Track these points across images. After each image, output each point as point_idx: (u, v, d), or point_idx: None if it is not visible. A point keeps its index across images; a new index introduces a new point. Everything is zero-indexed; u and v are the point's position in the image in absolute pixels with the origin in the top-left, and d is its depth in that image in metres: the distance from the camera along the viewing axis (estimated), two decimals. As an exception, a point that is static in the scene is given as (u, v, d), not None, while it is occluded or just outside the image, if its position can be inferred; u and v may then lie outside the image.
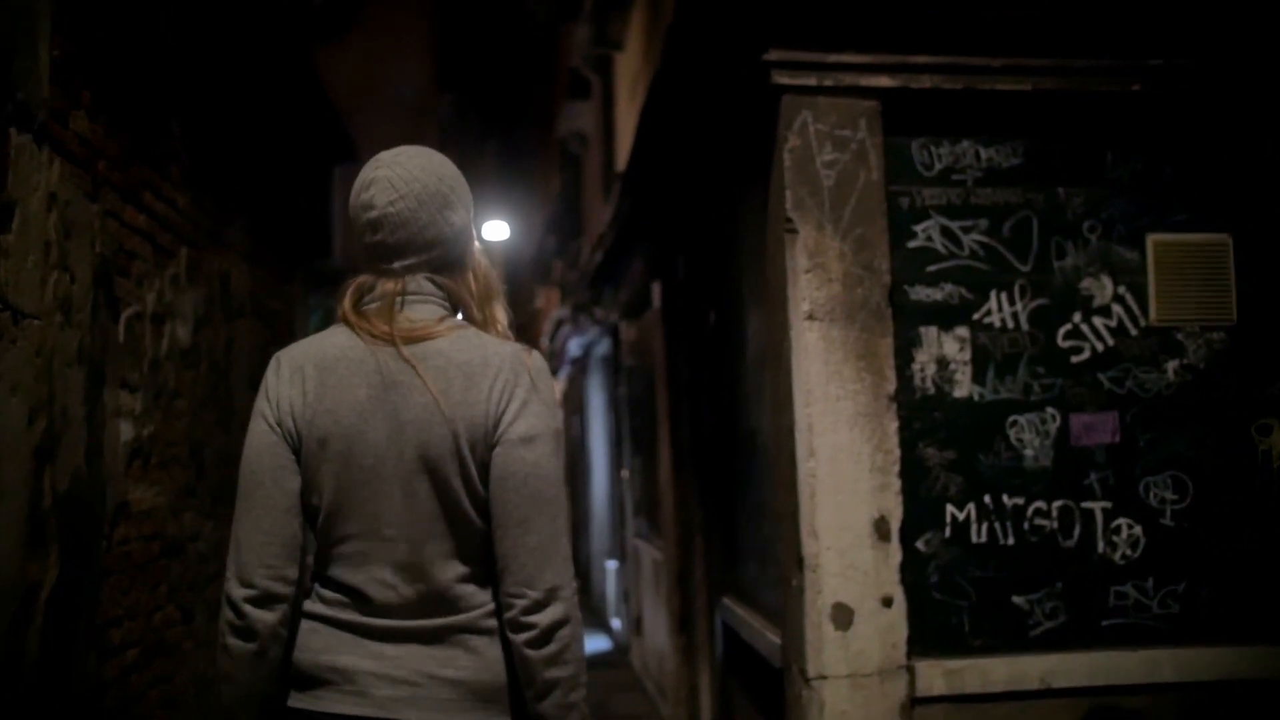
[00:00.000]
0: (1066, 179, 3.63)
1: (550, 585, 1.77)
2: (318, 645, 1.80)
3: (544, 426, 1.82)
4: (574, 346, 13.24)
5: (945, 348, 3.57)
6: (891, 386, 3.49)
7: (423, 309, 1.87)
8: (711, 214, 5.39)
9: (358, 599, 1.80)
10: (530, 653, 1.76)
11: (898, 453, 3.48)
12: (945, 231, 3.60)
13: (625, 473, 10.35)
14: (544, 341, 16.12)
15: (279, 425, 1.80)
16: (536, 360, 1.88)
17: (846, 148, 3.53)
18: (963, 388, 3.57)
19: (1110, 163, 3.63)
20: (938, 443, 3.54)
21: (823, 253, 3.49)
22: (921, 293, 3.58)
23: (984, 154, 3.63)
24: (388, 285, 1.86)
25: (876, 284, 3.51)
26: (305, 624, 1.84)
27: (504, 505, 1.78)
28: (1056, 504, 3.54)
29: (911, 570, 3.46)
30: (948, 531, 3.52)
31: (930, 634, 3.46)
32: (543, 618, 1.76)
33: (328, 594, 1.84)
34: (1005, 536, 3.53)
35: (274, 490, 1.79)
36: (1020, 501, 3.54)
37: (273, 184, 6.01)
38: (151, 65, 4.03)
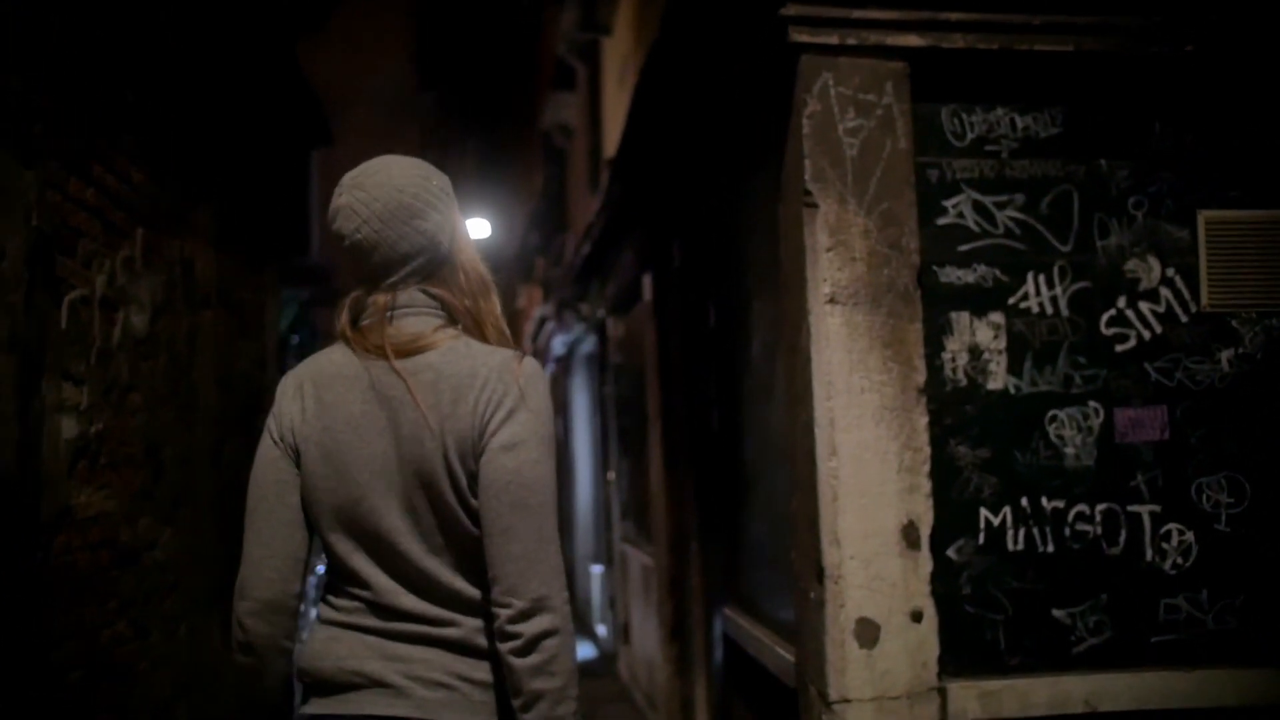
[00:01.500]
0: (1110, 150, 3.30)
1: (537, 595, 1.73)
2: (341, 652, 1.80)
3: (528, 433, 1.80)
4: (557, 345, 12.90)
5: (978, 335, 3.24)
6: (921, 378, 3.16)
7: (415, 321, 1.85)
8: (713, 196, 5.04)
9: (374, 607, 1.81)
10: (515, 661, 1.72)
11: (928, 451, 3.15)
12: (978, 207, 3.27)
13: (611, 474, 10.02)
14: (526, 342, 15.77)
15: (281, 441, 1.84)
16: (528, 367, 1.85)
17: (871, 113, 3.19)
18: (997, 379, 3.24)
19: (1159, 132, 3.30)
20: (970, 440, 3.21)
21: (845, 229, 3.16)
22: (952, 274, 3.25)
23: (1020, 122, 3.30)
24: (379, 300, 1.85)
25: (904, 264, 3.18)
26: (324, 631, 1.84)
27: (489, 513, 1.77)
28: (1100, 507, 3.21)
29: (942, 581, 3.13)
30: (981, 538, 3.19)
31: (963, 652, 3.13)
32: (528, 627, 1.72)
33: (343, 603, 1.84)
34: (1044, 543, 3.20)
35: (276, 504, 1.82)
36: (1060, 505, 3.21)
37: (244, 167, 5.64)
38: (100, 25, 3.65)
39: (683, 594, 6.39)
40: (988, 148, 3.28)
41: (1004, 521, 3.20)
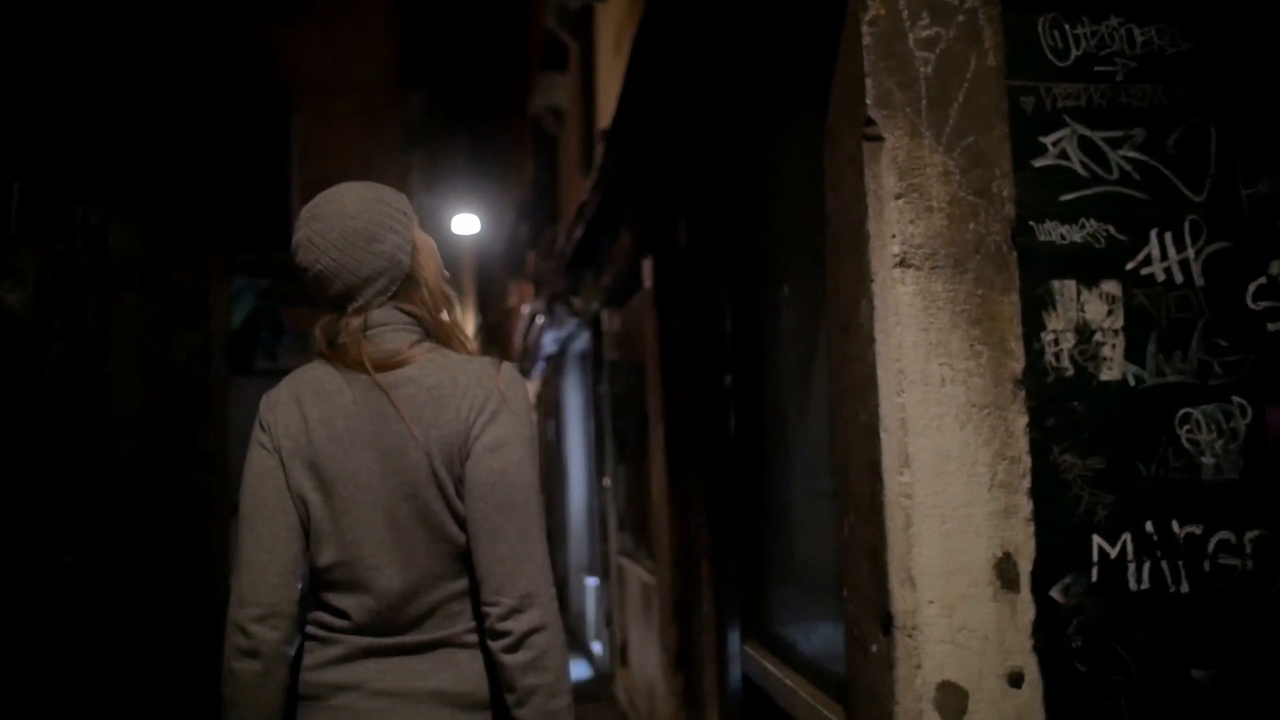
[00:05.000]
0: (1258, 71, 2.55)
1: (524, 592, 1.78)
2: (308, 664, 1.86)
3: (512, 435, 1.85)
4: (548, 342, 12.14)
5: (1088, 310, 2.49)
6: (1018, 365, 2.42)
7: (391, 337, 1.90)
8: (728, 158, 4.28)
9: (349, 622, 1.85)
10: (506, 659, 1.77)
11: (1028, 461, 2.40)
12: (1086, 145, 2.52)
13: (607, 481, 9.29)
14: (516, 340, 15.05)
15: (276, 451, 1.87)
16: (506, 372, 1.91)
17: (950, 20, 2.45)
18: (1113, 368, 2.49)
19: (1321, 46, 2.56)
20: (1079, 446, 2.46)
21: (920, 170, 2.41)
22: (1054, 231, 2.51)
23: (1140, 35, 2.55)
24: (353, 322, 1.89)
25: (996, 216, 2.44)
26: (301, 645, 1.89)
27: (476, 514, 1.82)
28: (1250, 535, 2.47)
29: (1046, 631, 2.38)
30: (1094, 574, 2.44)
31: (1075, 724, 2.38)
32: (516, 624, 1.77)
33: (323, 617, 1.88)
34: (1176, 581, 2.45)
35: (276, 510, 1.85)
36: (1197, 531, 2.46)
37: (184, 136, 4.87)
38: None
39: (689, 619, 5.64)
40: (1098, 69, 2.54)
41: (1123, 552, 2.45)
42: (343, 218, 1.90)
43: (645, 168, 5.43)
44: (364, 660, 1.83)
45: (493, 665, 1.83)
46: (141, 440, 4.11)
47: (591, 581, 10.44)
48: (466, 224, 17.58)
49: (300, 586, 1.88)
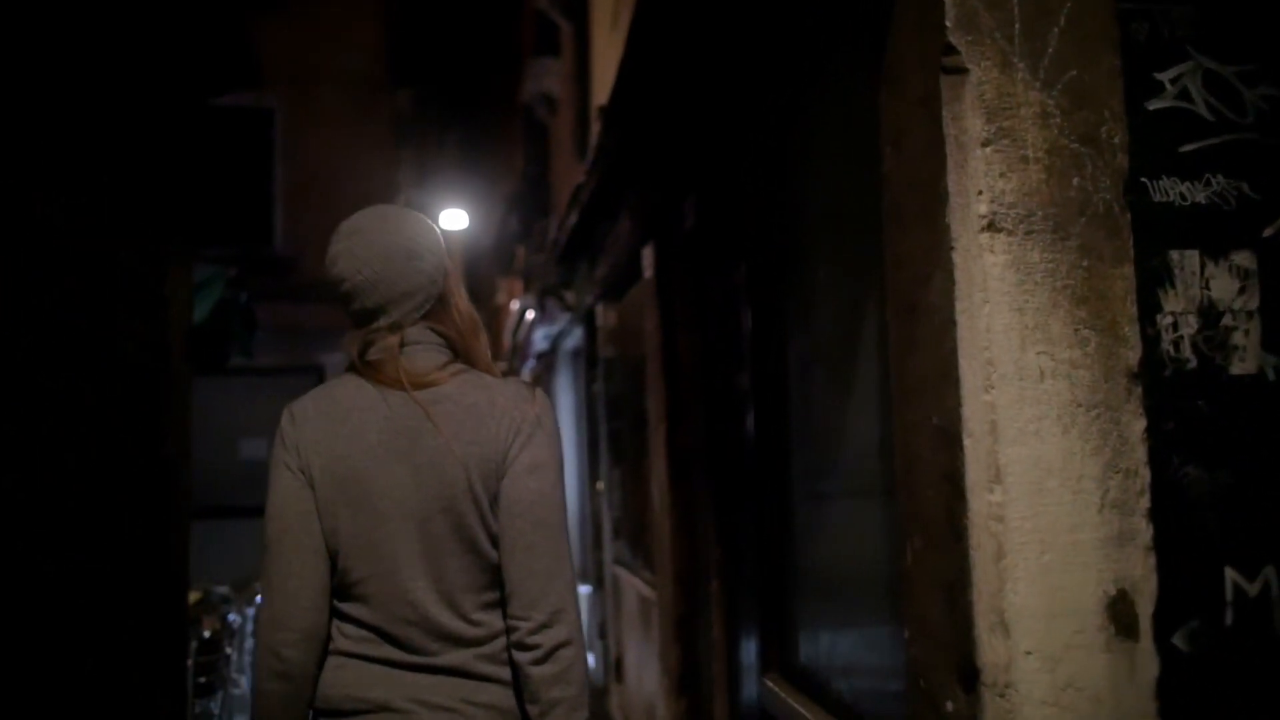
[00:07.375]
0: None
1: (554, 608, 1.82)
2: (348, 679, 1.85)
3: (548, 456, 1.90)
4: (539, 339, 11.64)
5: (1214, 288, 2.01)
6: (1133, 354, 1.95)
7: (424, 355, 1.93)
8: (744, 127, 3.78)
9: (382, 635, 1.85)
10: (534, 671, 1.80)
11: (1146, 475, 1.92)
12: (1213, 81, 2.05)
13: (601, 485, 8.79)
14: (506, 337, 14.56)
15: (301, 472, 1.88)
16: (540, 396, 1.95)
17: (1049, -77, 1.96)
18: (1246, 359, 2.02)
19: None
20: (1204, 457, 1.99)
21: (1012, 110, 1.92)
22: (1172, 190, 2.03)
23: (1279, -55, 2.07)
24: (390, 339, 1.92)
25: (1106, 169, 1.95)
26: (332, 660, 1.88)
27: (511, 531, 1.85)
28: None
29: (1169, 687, 1.90)
30: (1229, 616, 1.97)
31: (1207, 807, 1.90)
32: (546, 638, 1.80)
33: (351, 630, 1.88)
34: (1331, 625, 1.97)
35: (302, 535, 1.87)
36: (1357, 562, 1.98)
37: (138, 104, 4.35)
38: None
39: (695, 640, 5.15)
40: (1226, -12, 2.06)
41: (1265, 590, 1.98)
42: (385, 233, 1.94)
43: (647, 145, 4.93)
44: (411, 674, 1.83)
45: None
46: (79, 442, 3.60)
47: (583, 590, 9.95)
48: (454, 219, 17.07)
49: (329, 608, 1.88)
